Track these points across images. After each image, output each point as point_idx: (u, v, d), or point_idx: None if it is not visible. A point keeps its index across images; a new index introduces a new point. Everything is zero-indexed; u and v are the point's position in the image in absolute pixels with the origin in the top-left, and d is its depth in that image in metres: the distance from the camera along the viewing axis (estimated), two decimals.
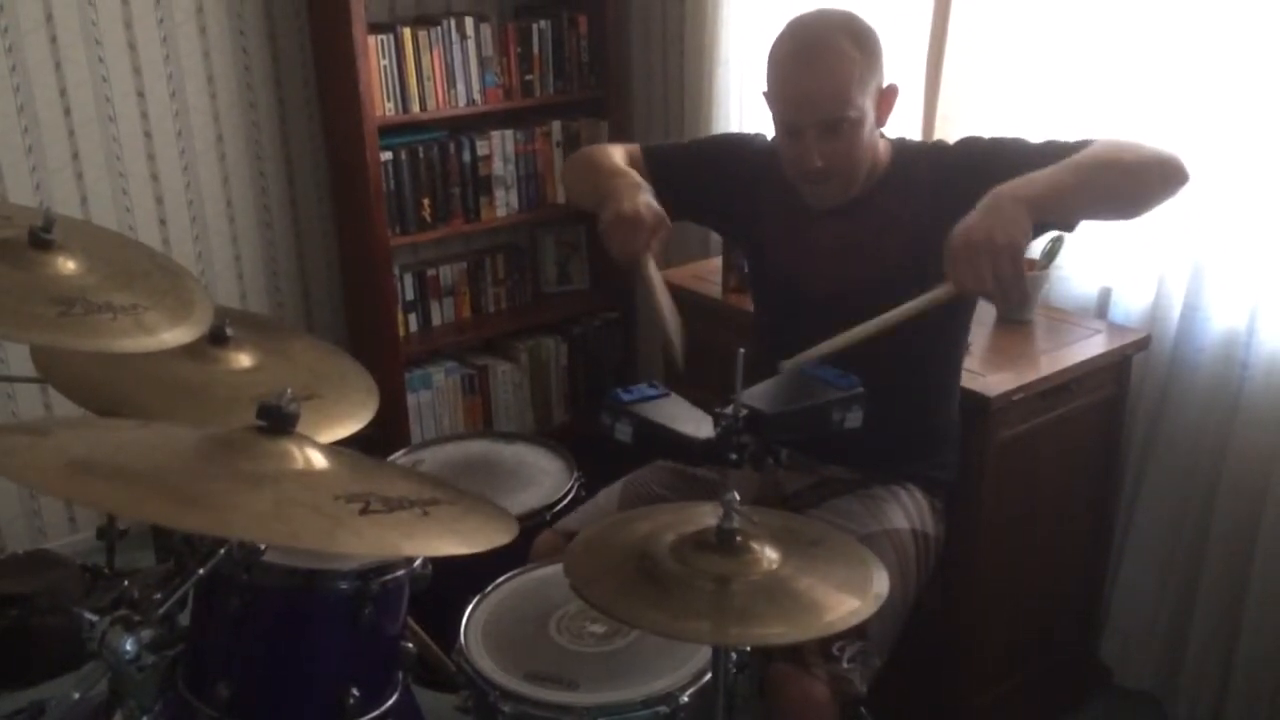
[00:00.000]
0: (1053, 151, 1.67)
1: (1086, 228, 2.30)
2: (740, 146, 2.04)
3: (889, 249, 1.81)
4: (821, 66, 1.70)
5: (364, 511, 1.13)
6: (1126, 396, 2.27)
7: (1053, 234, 2.31)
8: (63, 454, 1.13)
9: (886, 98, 1.78)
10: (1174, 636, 2.26)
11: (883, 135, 1.87)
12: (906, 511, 1.87)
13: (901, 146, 1.88)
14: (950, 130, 2.47)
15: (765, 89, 1.80)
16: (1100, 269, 2.34)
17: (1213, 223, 2.09)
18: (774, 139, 1.90)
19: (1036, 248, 2.36)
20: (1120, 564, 2.36)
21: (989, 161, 1.71)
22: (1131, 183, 1.64)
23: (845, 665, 1.62)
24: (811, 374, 1.48)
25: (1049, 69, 2.31)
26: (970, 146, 1.82)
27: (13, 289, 1.36)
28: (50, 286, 1.39)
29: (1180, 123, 2.12)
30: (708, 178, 2.00)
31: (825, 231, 1.86)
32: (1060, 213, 1.62)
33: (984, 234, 1.47)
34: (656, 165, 1.99)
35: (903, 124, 2.55)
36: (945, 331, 1.89)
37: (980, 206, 1.52)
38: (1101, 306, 2.35)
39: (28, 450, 1.13)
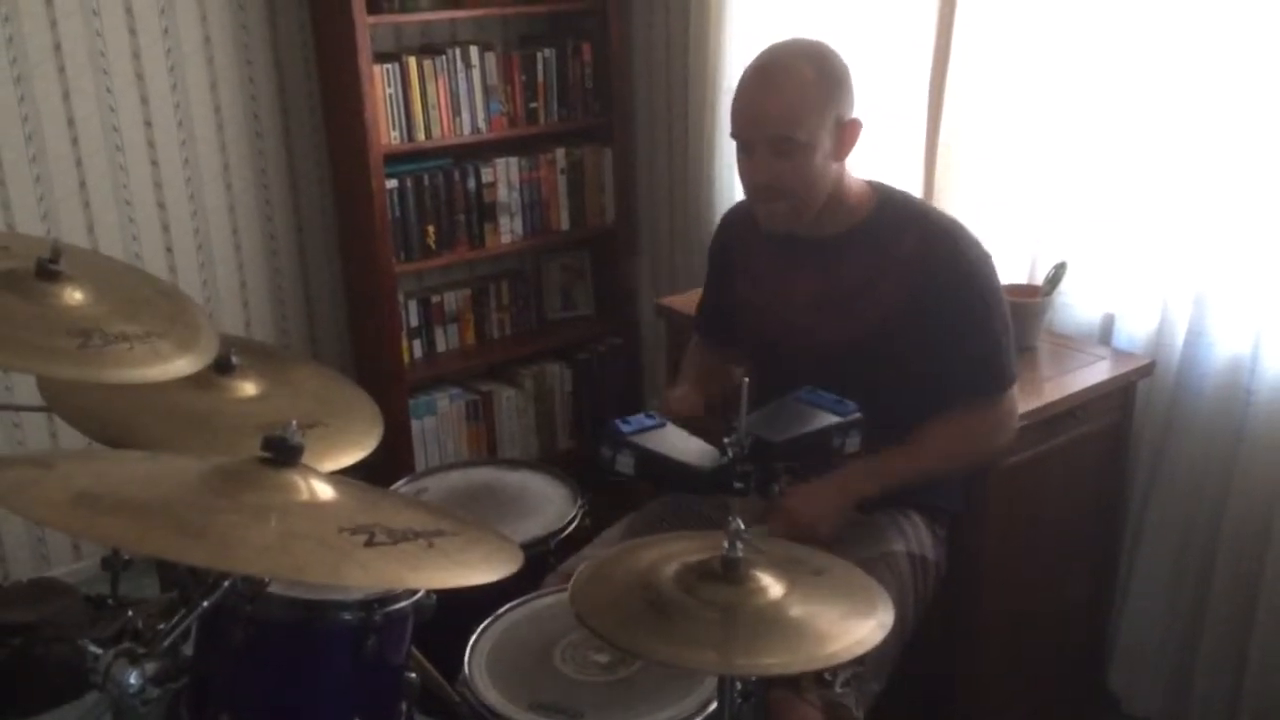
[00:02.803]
0: (969, 368, 1.83)
1: (1089, 253, 2.33)
2: (725, 226, 2.12)
3: (866, 308, 1.84)
4: (774, 85, 1.76)
5: (369, 544, 1.13)
6: (1131, 423, 2.27)
7: (1056, 261, 2.32)
8: (68, 488, 1.13)
9: (848, 131, 1.81)
10: (1181, 664, 2.25)
11: (869, 183, 1.91)
12: (904, 536, 1.87)
13: (886, 198, 1.89)
14: (951, 160, 2.48)
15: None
16: (1104, 295, 2.35)
17: (1216, 249, 2.09)
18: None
19: (1039, 274, 2.37)
20: (1126, 591, 2.35)
21: (959, 297, 1.81)
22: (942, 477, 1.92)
23: (839, 690, 1.63)
24: (808, 400, 1.48)
25: (1052, 98, 2.32)
26: (962, 253, 1.83)
27: (29, 323, 1.37)
28: (65, 318, 1.40)
29: (1182, 148, 2.13)
30: (723, 286, 2.10)
31: (803, 284, 1.90)
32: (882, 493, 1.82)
33: (809, 523, 1.69)
34: (705, 331, 2.18)
35: (905, 153, 2.57)
36: (922, 370, 1.91)
37: (821, 486, 1.73)
38: (1105, 333, 2.35)
39: (34, 485, 1.13)
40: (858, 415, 1.44)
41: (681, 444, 1.40)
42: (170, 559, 1.08)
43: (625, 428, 1.40)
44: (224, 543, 1.07)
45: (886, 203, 1.88)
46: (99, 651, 1.16)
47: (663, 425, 1.43)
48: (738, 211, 2.11)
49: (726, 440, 1.37)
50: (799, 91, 1.74)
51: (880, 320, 1.83)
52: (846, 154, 1.83)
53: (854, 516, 1.87)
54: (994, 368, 1.84)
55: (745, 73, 1.82)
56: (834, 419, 1.44)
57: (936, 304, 1.80)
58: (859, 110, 1.83)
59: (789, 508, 1.70)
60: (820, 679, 1.61)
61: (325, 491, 1.22)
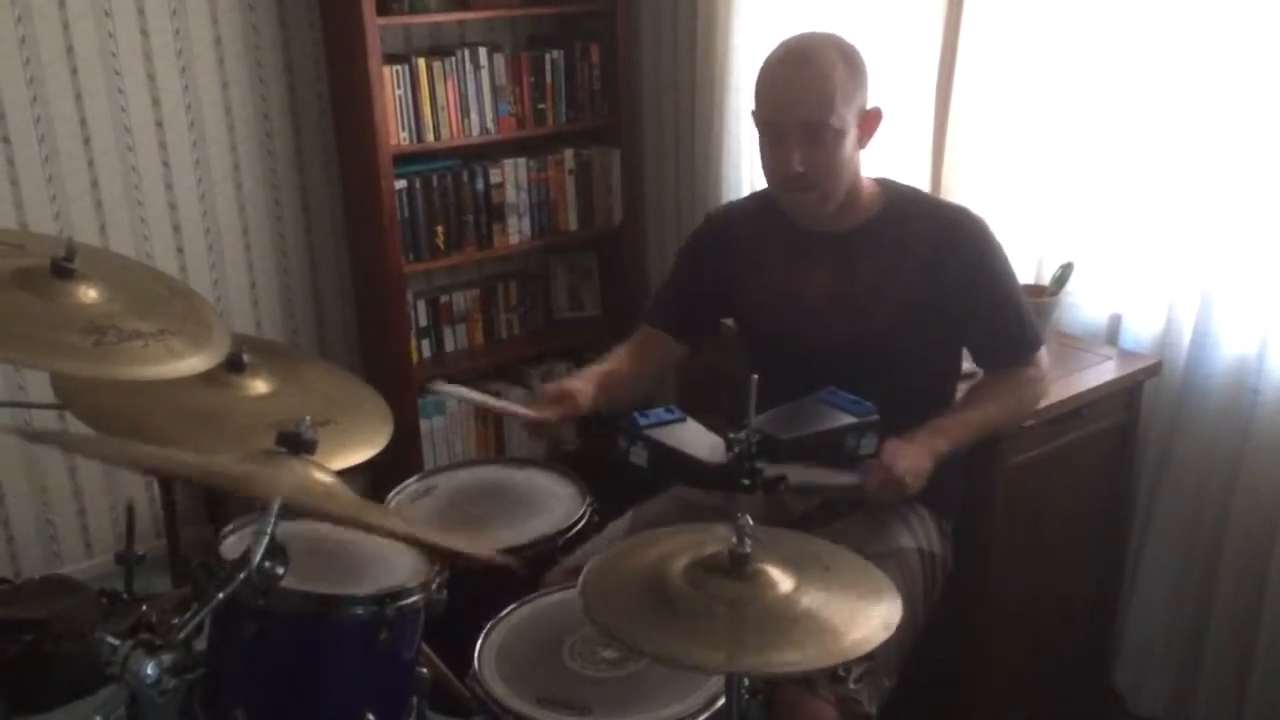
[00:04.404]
0: (1001, 342, 1.91)
1: (1096, 253, 2.34)
2: (720, 221, 2.10)
3: (880, 304, 1.86)
4: (808, 71, 1.79)
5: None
6: (1137, 422, 2.27)
7: (1063, 261, 2.33)
8: None
9: (870, 119, 1.85)
10: (1187, 664, 2.25)
11: (876, 179, 1.93)
12: (913, 531, 1.88)
13: (894, 193, 1.92)
14: (959, 161, 2.48)
15: (754, 106, 1.87)
16: (1110, 295, 2.35)
17: (1222, 249, 2.09)
18: (756, 194, 2.03)
19: (1046, 274, 2.38)
20: (1132, 591, 2.35)
21: (977, 281, 1.86)
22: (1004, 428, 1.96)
23: (852, 686, 1.64)
24: (827, 400, 1.49)
25: (1058, 98, 2.33)
26: (971, 239, 1.87)
27: (45, 319, 1.38)
28: (79, 315, 1.41)
29: (1189, 148, 2.14)
30: (701, 281, 2.09)
31: (816, 281, 1.92)
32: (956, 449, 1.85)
33: (900, 477, 1.70)
34: (655, 319, 2.13)
35: (912, 153, 2.58)
36: (934, 366, 1.92)
37: (910, 442, 1.74)
38: (1112, 333, 2.36)
39: None
40: (875, 417, 1.44)
41: (696, 439, 1.41)
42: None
43: (642, 420, 1.41)
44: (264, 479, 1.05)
45: (895, 198, 1.91)
46: (117, 643, 1.17)
47: (682, 420, 1.44)
48: (743, 207, 2.12)
49: (731, 437, 1.37)
50: (831, 77, 1.77)
51: (895, 316, 1.85)
52: (868, 143, 1.87)
53: (857, 514, 1.88)
54: (1025, 333, 1.91)
55: (772, 60, 1.84)
56: (848, 420, 1.44)
57: (960, 287, 1.84)
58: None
59: (884, 463, 1.69)
60: (834, 675, 1.62)
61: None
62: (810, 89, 1.77)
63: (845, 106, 1.78)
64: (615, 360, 2.09)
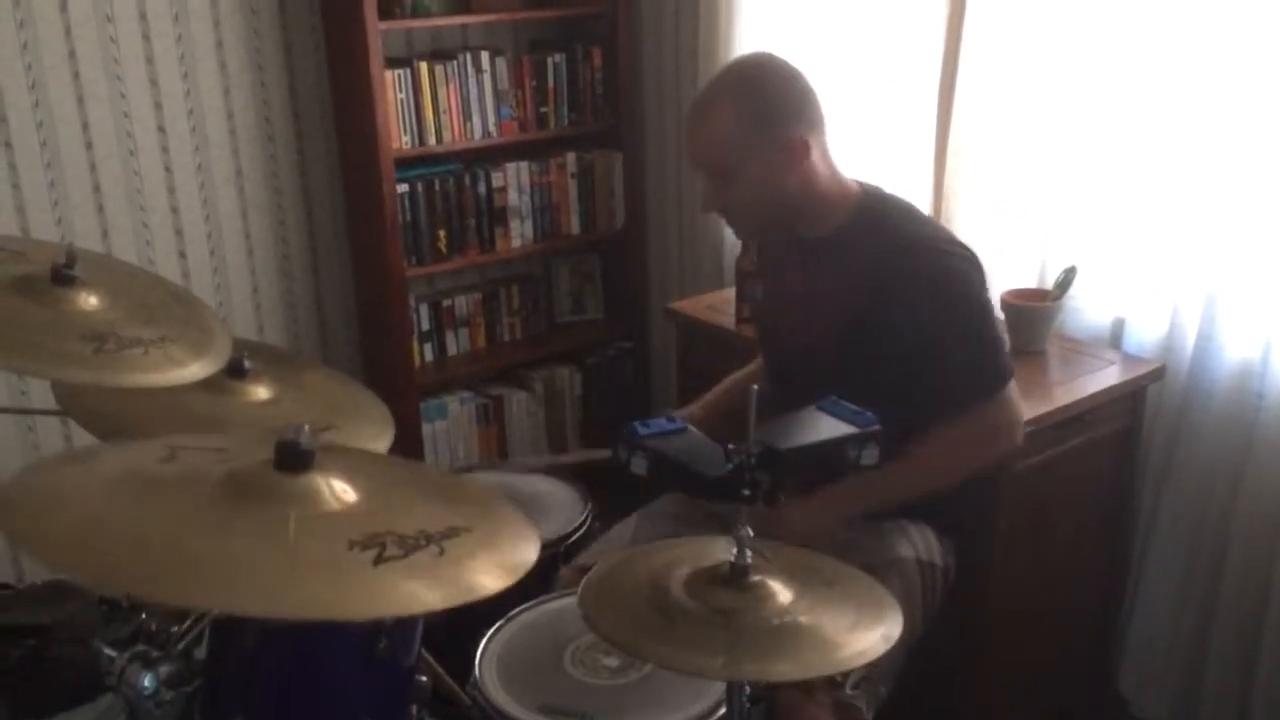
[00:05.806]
0: (953, 383, 1.78)
1: (1099, 257, 2.33)
2: None
3: (831, 317, 1.85)
4: (698, 123, 1.84)
5: (378, 560, 1.11)
6: (1141, 427, 2.27)
7: (1066, 265, 2.32)
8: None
9: (792, 150, 1.79)
10: (1191, 667, 2.25)
11: (861, 185, 1.88)
12: (913, 542, 1.87)
13: (864, 202, 1.86)
14: (961, 164, 2.48)
15: None
16: (1113, 299, 2.35)
17: (1226, 252, 2.09)
18: None
19: (1049, 279, 2.37)
20: (1136, 595, 2.35)
21: (931, 317, 1.76)
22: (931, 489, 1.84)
23: (849, 691, 1.64)
24: (828, 409, 1.48)
25: (1061, 102, 2.32)
26: (920, 271, 1.77)
27: (45, 326, 1.38)
28: (79, 322, 1.41)
29: (1192, 152, 2.13)
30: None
31: (790, 285, 1.94)
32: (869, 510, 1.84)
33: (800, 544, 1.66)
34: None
35: (914, 157, 2.57)
36: (906, 385, 1.88)
37: (808, 504, 1.75)
38: (1115, 337, 2.35)
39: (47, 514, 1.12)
40: (876, 427, 1.43)
41: (697, 449, 1.40)
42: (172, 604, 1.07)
43: (642, 430, 1.40)
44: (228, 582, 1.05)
45: (864, 208, 1.85)
46: (114, 654, 1.17)
47: (683, 430, 1.43)
48: None
49: (730, 447, 1.37)
50: (719, 126, 1.79)
51: (843, 326, 1.82)
52: (798, 169, 1.79)
53: (858, 524, 1.88)
54: (979, 374, 1.80)
55: None
56: (848, 430, 1.43)
57: (903, 318, 1.77)
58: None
59: (782, 530, 1.65)
60: (831, 680, 1.62)
61: (336, 493, 1.22)
62: (698, 139, 1.84)
63: (743, 146, 1.77)
64: (741, 373, 2.14)
